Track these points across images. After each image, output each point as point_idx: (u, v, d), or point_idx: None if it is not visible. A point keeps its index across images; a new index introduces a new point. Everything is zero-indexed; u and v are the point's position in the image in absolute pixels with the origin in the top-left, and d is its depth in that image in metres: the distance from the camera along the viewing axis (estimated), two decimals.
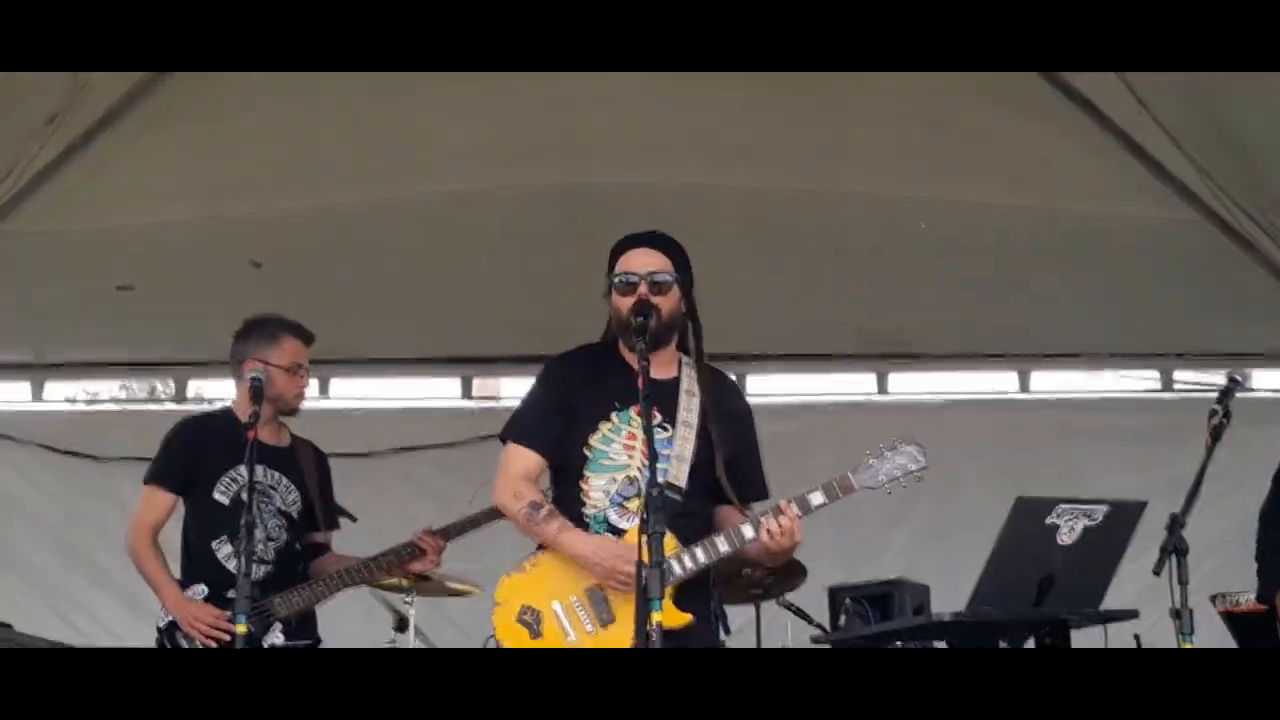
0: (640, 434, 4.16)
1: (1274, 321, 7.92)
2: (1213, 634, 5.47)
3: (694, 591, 4.18)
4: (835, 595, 6.46)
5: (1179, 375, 8.89)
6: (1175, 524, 4.45)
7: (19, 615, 6.16)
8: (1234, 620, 5.92)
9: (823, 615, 6.67)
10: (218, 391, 8.61)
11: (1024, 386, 9.00)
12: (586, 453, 4.29)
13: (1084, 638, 5.11)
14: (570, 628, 4.15)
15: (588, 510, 4.26)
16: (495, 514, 5.01)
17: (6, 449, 8.57)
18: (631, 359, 4.26)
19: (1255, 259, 7.30)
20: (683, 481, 4.24)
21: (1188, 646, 4.35)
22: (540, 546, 4.31)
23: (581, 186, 7.32)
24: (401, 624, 6.42)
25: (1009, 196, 7.35)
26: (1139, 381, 9.07)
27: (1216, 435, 4.56)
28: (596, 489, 4.27)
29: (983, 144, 7.07)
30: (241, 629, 4.55)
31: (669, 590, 3.97)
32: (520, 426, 4.41)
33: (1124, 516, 4.83)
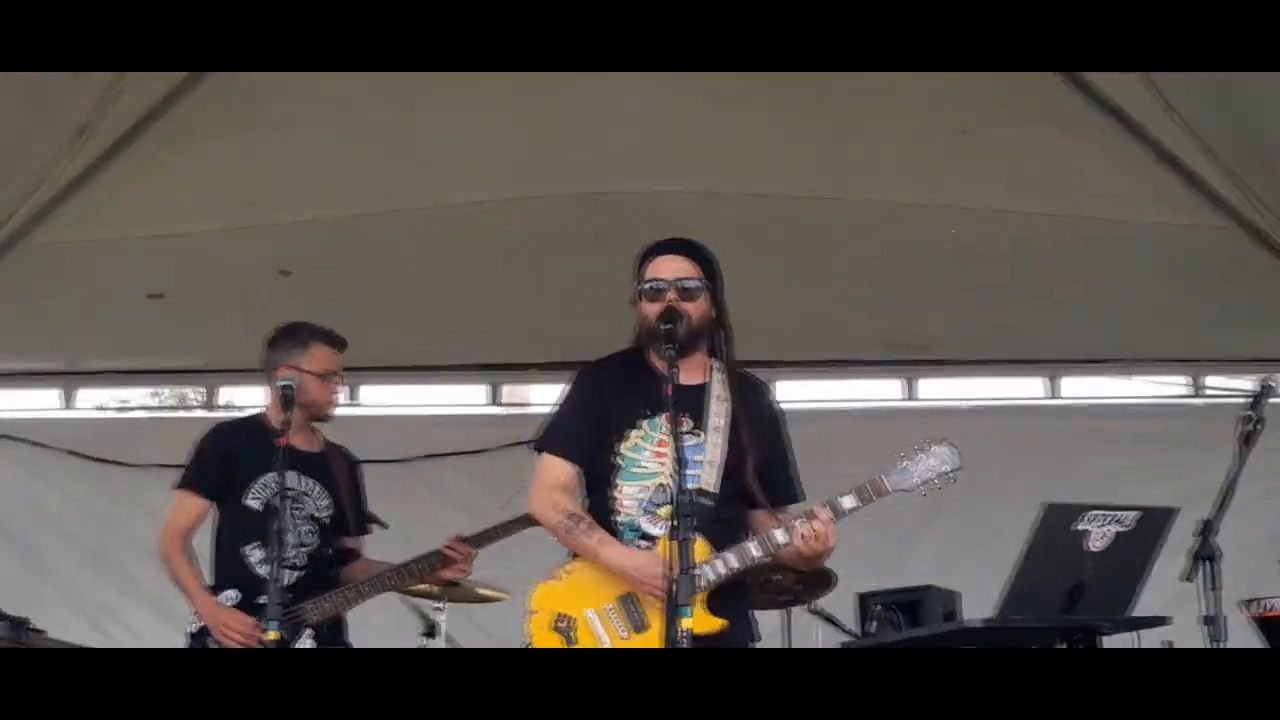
0: (670, 441, 4.16)
1: None
2: (1244, 640, 5.44)
3: (727, 597, 4.18)
4: (865, 601, 6.47)
5: (1209, 381, 8.85)
6: (1206, 530, 4.44)
7: (50, 622, 6.19)
8: (1266, 625, 5.88)
9: (853, 622, 6.67)
10: (248, 398, 8.66)
11: (1053, 392, 8.99)
12: (618, 461, 4.29)
13: (1115, 644, 5.10)
14: (604, 635, 4.16)
15: (619, 518, 4.26)
16: (526, 521, 5.03)
17: (38, 456, 8.62)
18: (660, 366, 4.27)
19: None
20: (714, 487, 4.24)
21: None
22: (574, 554, 4.32)
23: (609, 194, 7.33)
24: (430, 630, 6.44)
25: (1037, 203, 7.33)
26: (1169, 387, 9.04)
27: (1247, 441, 4.54)
28: (628, 497, 4.27)
29: (1011, 151, 7.05)
30: (273, 635, 4.56)
31: (702, 596, 3.99)
32: (555, 436, 4.41)
33: (1154, 523, 4.82)
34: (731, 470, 4.28)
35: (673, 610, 3.67)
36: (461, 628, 6.65)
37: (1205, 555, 4.42)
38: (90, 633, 7.52)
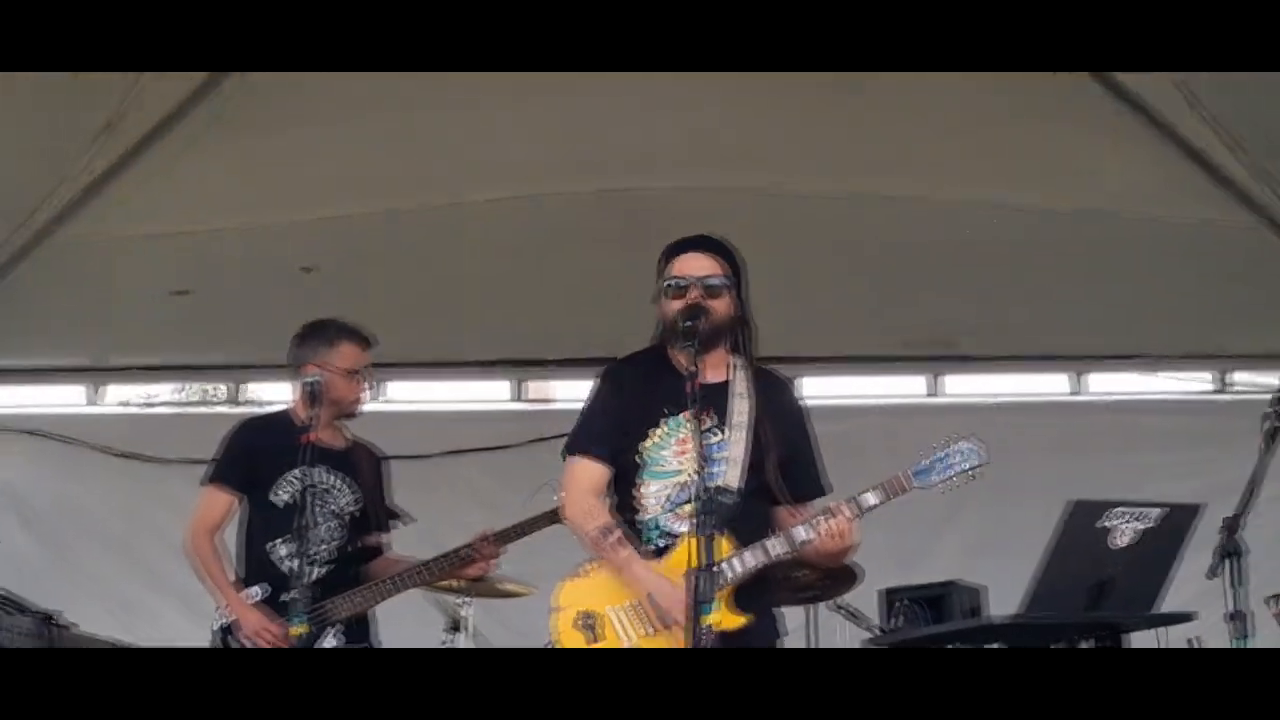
0: (693, 439, 4.16)
1: None
2: (1270, 637, 5.42)
3: (752, 593, 4.18)
4: (889, 597, 6.45)
5: (1235, 377, 8.82)
6: (1231, 526, 4.42)
7: (77, 616, 6.22)
8: None
9: (877, 617, 6.66)
10: (273, 394, 8.67)
11: (1078, 389, 8.96)
12: (641, 459, 4.29)
13: (1139, 641, 5.09)
14: (628, 632, 4.16)
15: (642, 516, 4.27)
16: (550, 518, 5.04)
17: (65, 452, 8.66)
18: (682, 363, 4.27)
19: None
20: (737, 484, 4.23)
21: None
22: None
23: (633, 191, 7.33)
24: (455, 625, 6.45)
25: (1062, 200, 7.31)
26: (1194, 384, 9.00)
27: (1272, 438, 4.52)
28: (651, 495, 4.27)
29: (1036, 147, 7.04)
30: (298, 630, 4.58)
31: (725, 592, 3.99)
32: (584, 439, 4.40)
33: (1180, 519, 4.81)
34: (754, 467, 4.27)
35: (696, 607, 3.67)
36: (486, 623, 6.66)
37: (1230, 551, 4.40)
38: (116, 627, 7.50)
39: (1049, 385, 9.06)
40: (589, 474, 4.35)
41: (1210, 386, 8.91)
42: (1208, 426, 8.29)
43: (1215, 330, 8.38)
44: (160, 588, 8.09)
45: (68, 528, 8.54)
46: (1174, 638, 5.17)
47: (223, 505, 5.38)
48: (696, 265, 4.34)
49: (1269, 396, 4.65)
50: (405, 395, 9.14)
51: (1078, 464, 7.99)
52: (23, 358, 8.75)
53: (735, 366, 4.41)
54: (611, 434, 4.35)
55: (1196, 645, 5.68)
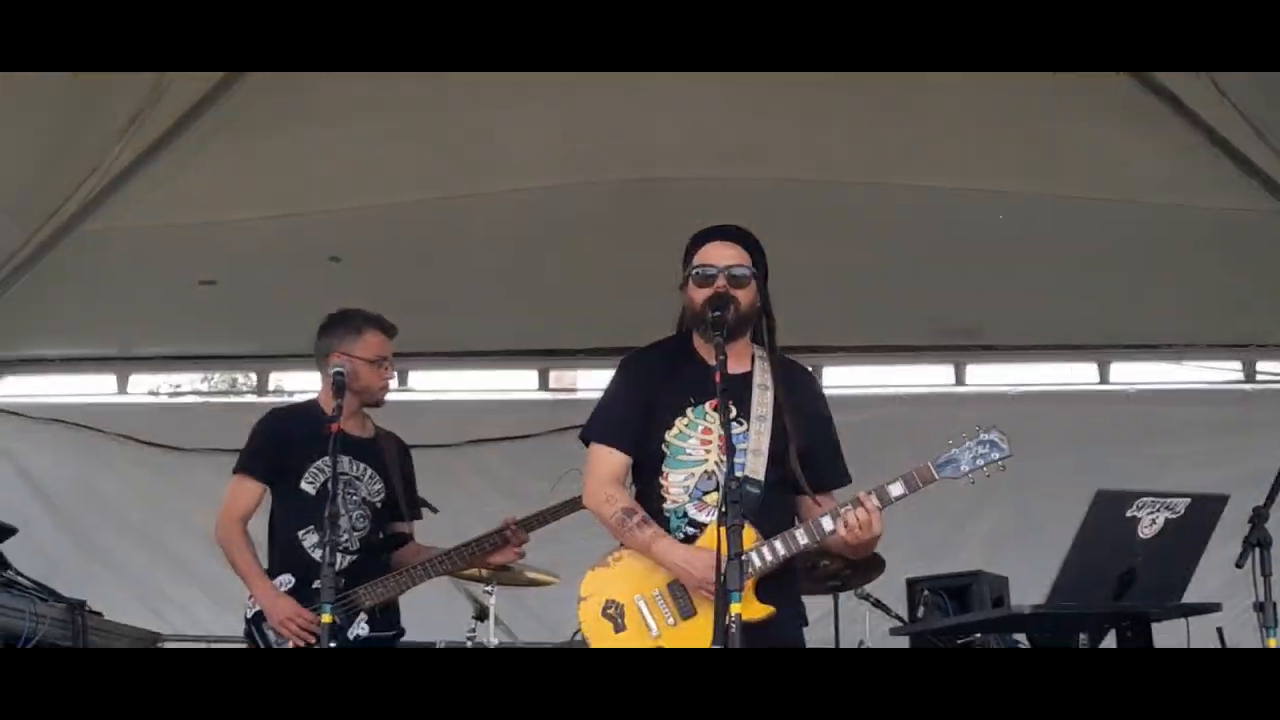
0: (716, 428, 4.16)
1: None
2: None
3: (776, 584, 4.18)
4: (914, 587, 6.47)
5: (1261, 366, 8.79)
6: (1258, 516, 4.41)
7: (104, 605, 6.28)
8: None
9: (901, 607, 6.67)
10: (298, 384, 8.74)
11: (1103, 378, 8.93)
12: (664, 449, 4.29)
13: (1165, 631, 5.07)
14: (653, 621, 4.17)
15: (667, 505, 4.26)
16: (574, 505, 5.06)
17: (92, 441, 8.72)
18: (704, 352, 4.27)
19: None
20: (760, 475, 4.23)
21: (1272, 642, 4.32)
22: None
23: (657, 181, 7.34)
24: (481, 613, 6.47)
25: (1088, 188, 7.30)
26: (1220, 373, 8.97)
27: None
28: (675, 484, 4.27)
29: (1060, 136, 7.03)
30: (326, 618, 4.61)
31: (751, 582, 4.00)
32: (603, 426, 4.39)
33: (1206, 510, 4.79)
34: (777, 457, 4.27)
35: (722, 597, 3.68)
36: (512, 612, 6.68)
37: (1259, 542, 4.40)
38: (143, 615, 7.58)
39: (1074, 375, 9.04)
40: (608, 461, 4.34)
41: (1236, 375, 8.87)
42: (1233, 416, 8.28)
43: (1241, 319, 8.36)
44: (185, 576, 8.16)
45: (94, 516, 8.60)
46: (1200, 628, 5.16)
47: (252, 495, 5.40)
48: (723, 254, 4.32)
49: None
50: (429, 384, 9.17)
51: (1103, 454, 7.98)
52: (51, 348, 8.82)
53: (757, 357, 4.41)
54: (631, 422, 4.34)
55: (1222, 635, 5.69)
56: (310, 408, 5.51)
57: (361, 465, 5.40)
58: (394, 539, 5.50)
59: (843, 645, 6.77)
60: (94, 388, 9.13)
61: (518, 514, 5.44)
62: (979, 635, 5.87)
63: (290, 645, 5.14)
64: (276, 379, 9.19)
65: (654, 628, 4.17)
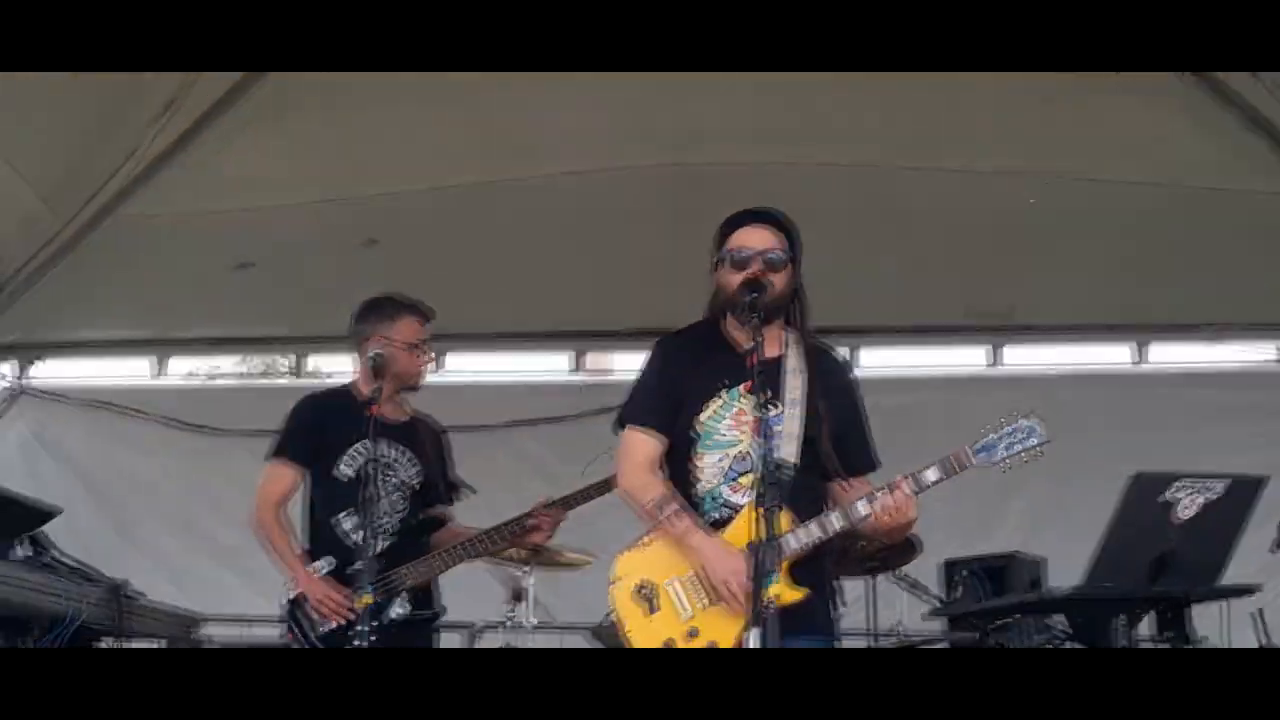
0: (750, 411, 4.16)
1: None
2: None
3: (810, 567, 4.18)
4: (950, 568, 6.45)
5: None
6: None
7: (141, 586, 6.30)
8: None
9: (937, 588, 6.66)
10: (335, 366, 8.75)
11: (1140, 359, 8.88)
12: (697, 431, 4.29)
13: (1203, 614, 5.06)
14: (686, 603, 4.18)
15: (700, 488, 4.27)
16: (607, 486, 5.08)
17: (130, 424, 8.77)
18: (736, 336, 4.28)
19: None
20: (793, 458, 4.23)
21: None
22: None
23: (691, 165, 7.34)
24: (517, 594, 6.48)
25: (1124, 170, 7.26)
26: (1258, 354, 8.90)
27: None
28: (708, 466, 4.27)
29: (1097, 118, 6.98)
30: (366, 600, 4.63)
31: (785, 565, 4.00)
32: (637, 409, 4.40)
33: (1243, 492, 4.78)
34: (809, 441, 4.26)
35: (758, 579, 3.68)
36: (547, 595, 6.69)
37: None
38: (180, 598, 7.61)
39: (1111, 356, 8.98)
40: (642, 446, 4.35)
41: (1274, 357, 8.81)
42: (1272, 398, 8.22)
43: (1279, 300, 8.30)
44: (223, 559, 8.18)
45: (132, 499, 8.65)
46: (1237, 611, 5.15)
47: (288, 479, 5.43)
48: (757, 238, 4.32)
49: None
50: (465, 367, 9.19)
51: (1139, 436, 7.93)
52: (89, 331, 8.86)
53: (789, 342, 4.40)
54: (665, 406, 4.35)
55: (1262, 617, 5.66)
56: (345, 392, 5.53)
57: (398, 449, 5.42)
58: (432, 522, 5.53)
59: (879, 628, 6.76)
60: (132, 371, 9.18)
61: (554, 496, 5.47)
62: (1016, 616, 5.85)
63: (333, 625, 5.18)
64: (313, 361, 9.23)
65: (687, 609, 4.17)
